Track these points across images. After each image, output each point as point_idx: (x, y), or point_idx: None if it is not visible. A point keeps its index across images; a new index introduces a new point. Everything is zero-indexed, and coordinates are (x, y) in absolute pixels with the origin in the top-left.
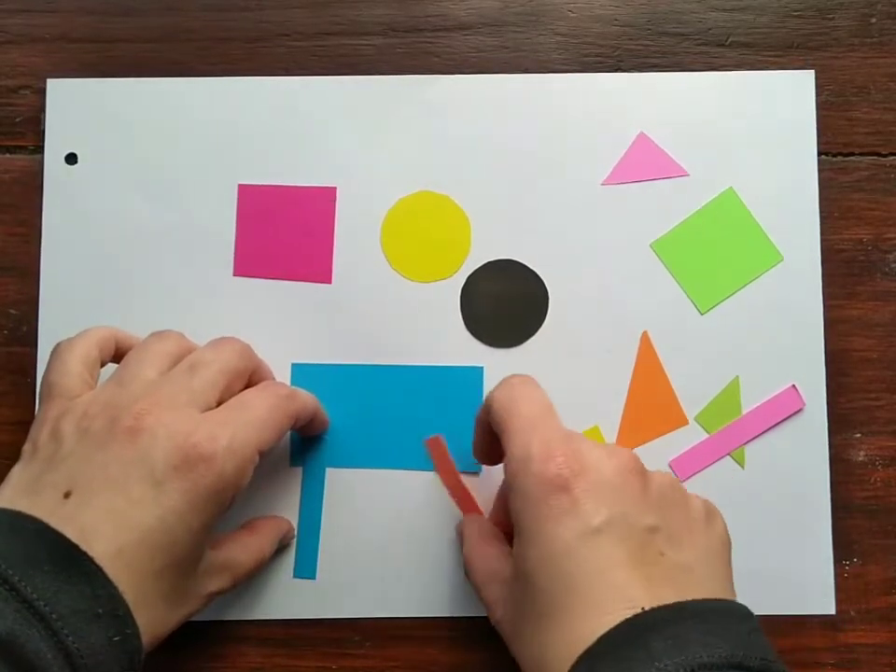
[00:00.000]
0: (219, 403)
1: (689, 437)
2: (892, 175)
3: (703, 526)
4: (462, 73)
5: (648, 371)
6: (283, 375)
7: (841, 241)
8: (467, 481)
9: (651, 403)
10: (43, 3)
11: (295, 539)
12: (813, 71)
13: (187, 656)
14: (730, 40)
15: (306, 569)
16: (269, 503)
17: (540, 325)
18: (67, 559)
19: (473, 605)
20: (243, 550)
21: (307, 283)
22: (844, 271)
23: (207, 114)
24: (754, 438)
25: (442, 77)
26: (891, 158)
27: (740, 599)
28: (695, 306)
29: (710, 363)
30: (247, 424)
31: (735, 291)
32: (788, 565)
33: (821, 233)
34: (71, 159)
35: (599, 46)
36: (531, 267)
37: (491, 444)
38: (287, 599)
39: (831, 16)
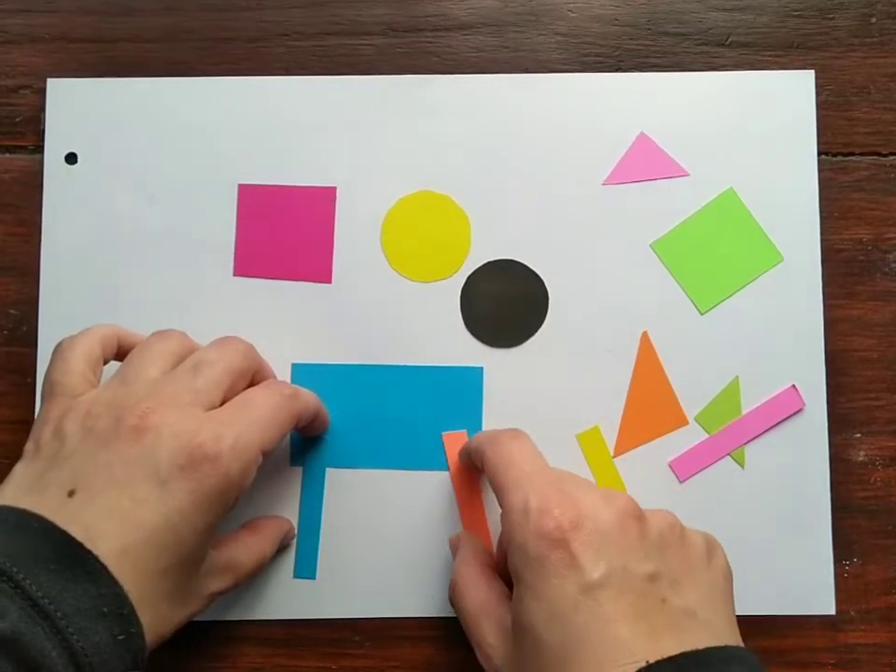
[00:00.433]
0: (223, 403)
1: (689, 437)
2: (892, 175)
3: (704, 563)
4: (462, 73)
5: (648, 370)
6: (283, 375)
7: (841, 241)
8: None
9: (650, 403)
10: (43, 3)
11: (295, 540)
12: (813, 71)
13: (188, 656)
14: (730, 40)
15: (306, 569)
16: (269, 503)
17: (540, 325)
18: (72, 557)
19: None
20: (244, 550)
21: (307, 283)
22: (844, 271)
23: (207, 114)
24: (754, 438)
25: (442, 77)
26: (891, 158)
27: (740, 599)
28: (695, 306)
29: (710, 363)
30: (252, 423)
31: (735, 291)
32: (788, 565)
33: (821, 233)
34: (71, 159)
35: (599, 46)
36: (531, 267)
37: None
38: (287, 599)
39: (831, 16)
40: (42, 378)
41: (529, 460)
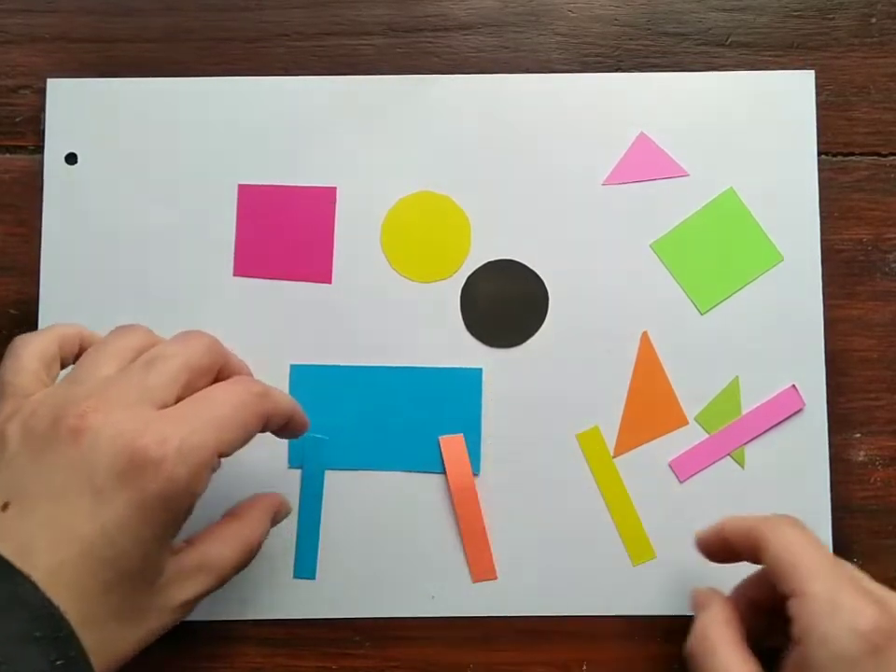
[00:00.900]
0: (179, 400)
1: (689, 437)
2: (892, 175)
3: None
4: (462, 73)
5: (648, 370)
6: (282, 375)
7: (841, 241)
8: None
9: (650, 403)
10: (43, 3)
11: (295, 540)
12: (813, 71)
13: (187, 656)
14: (730, 40)
15: (306, 570)
16: None
17: (540, 325)
18: (4, 580)
19: (473, 605)
20: (220, 544)
21: (307, 283)
22: (844, 271)
23: (207, 114)
24: (754, 438)
25: (442, 77)
26: (891, 158)
27: None
28: (695, 306)
29: (710, 363)
30: (207, 422)
31: (735, 291)
32: None
33: (821, 233)
34: (71, 159)
35: (599, 46)
36: (531, 267)
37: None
38: (287, 599)
39: (831, 16)
40: None
41: (821, 551)
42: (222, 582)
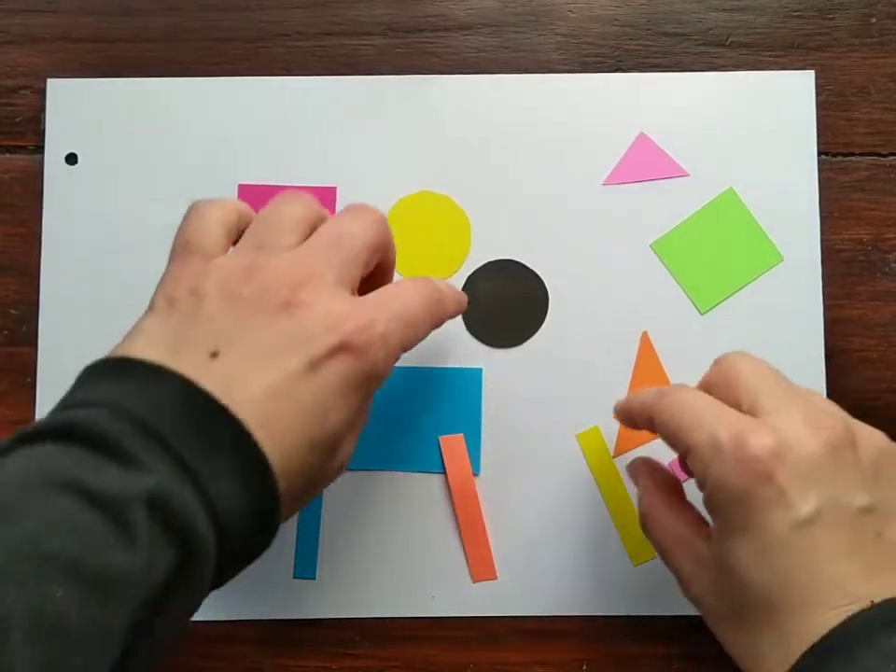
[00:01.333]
0: (361, 279)
1: None
2: (892, 175)
3: None
4: (462, 73)
5: (648, 371)
6: None
7: (841, 241)
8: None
9: None
10: (43, 3)
11: (295, 540)
12: (813, 71)
13: (187, 656)
14: (730, 40)
15: (306, 570)
16: None
17: (540, 325)
18: (218, 421)
19: (473, 605)
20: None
21: None
22: (844, 271)
23: (207, 114)
24: None
25: (442, 77)
26: (891, 158)
27: None
28: (695, 306)
29: (710, 363)
30: (398, 317)
31: (735, 291)
32: None
33: (821, 233)
34: (71, 159)
35: (599, 46)
36: (531, 267)
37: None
38: (287, 599)
39: (831, 16)
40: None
41: (705, 399)
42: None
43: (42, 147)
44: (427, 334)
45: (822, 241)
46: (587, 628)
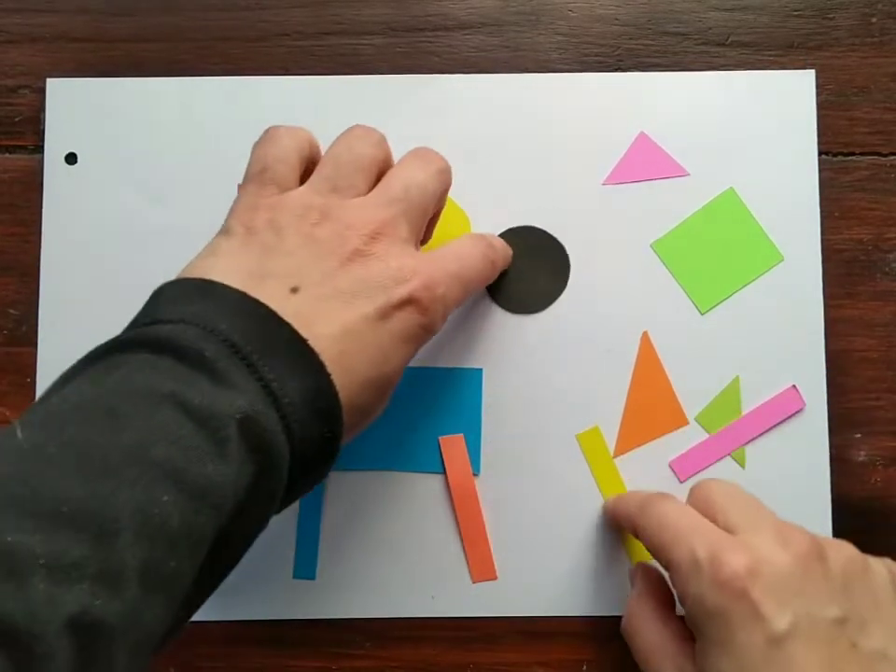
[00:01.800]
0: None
1: (689, 437)
2: (893, 175)
3: (890, 597)
4: (462, 73)
5: (648, 370)
6: None
7: (841, 241)
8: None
9: (651, 403)
10: (43, 2)
11: (295, 540)
12: (813, 71)
13: (186, 656)
14: (730, 40)
15: (306, 570)
16: None
17: (563, 289)
18: (297, 350)
19: (473, 605)
20: None
21: None
22: (844, 271)
23: (207, 114)
24: (754, 438)
25: (442, 77)
26: (892, 158)
27: None
28: (695, 306)
29: (710, 363)
30: (458, 278)
31: (736, 291)
32: None
33: (822, 233)
34: (71, 159)
35: (599, 46)
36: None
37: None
38: (287, 599)
39: (831, 16)
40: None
41: (685, 515)
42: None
43: (42, 147)
44: (476, 292)
45: (823, 241)
46: (587, 628)
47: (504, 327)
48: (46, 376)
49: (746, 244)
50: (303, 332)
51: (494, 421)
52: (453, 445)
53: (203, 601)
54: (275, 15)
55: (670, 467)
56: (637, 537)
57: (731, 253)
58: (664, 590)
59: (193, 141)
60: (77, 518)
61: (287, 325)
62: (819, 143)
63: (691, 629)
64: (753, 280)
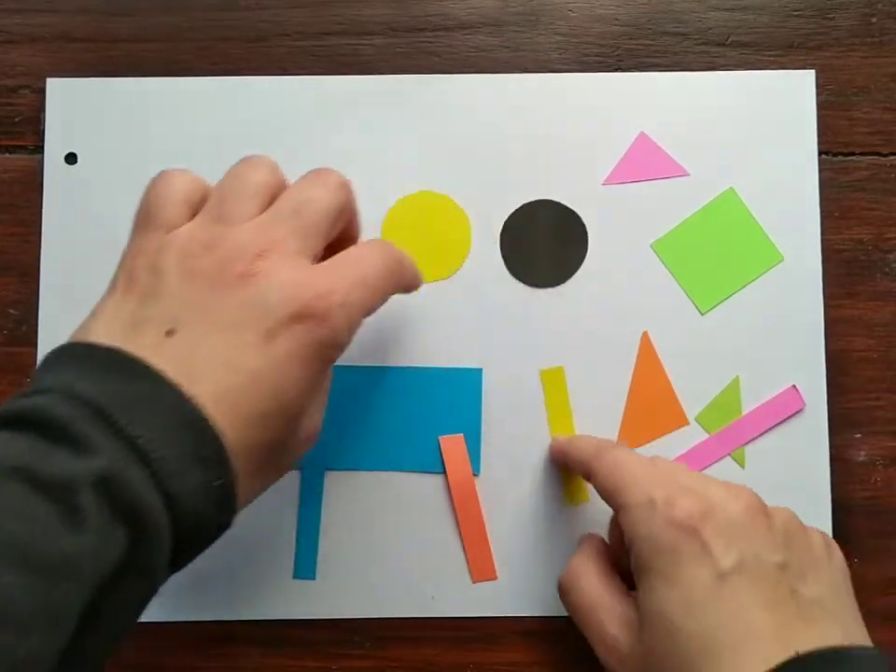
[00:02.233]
0: (325, 246)
1: (689, 437)
2: (893, 175)
3: (825, 560)
4: (462, 73)
5: (648, 370)
6: None
7: (841, 241)
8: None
9: (651, 403)
10: (43, 2)
11: (295, 541)
12: (813, 71)
13: (186, 656)
14: (730, 40)
15: (306, 570)
16: (267, 505)
17: (582, 261)
18: (169, 400)
19: (473, 605)
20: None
21: None
22: (844, 271)
23: (207, 114)
24: (754, 438)
25: (442, 77)
26: (892, 158)
27: None
28: (695, 306)
29: (710, 363)
30: (359, 282)
31: (736, 291)
32: None
33: (822, 233)
34: (71, 158)
35: (599, 46)
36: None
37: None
38: (286, 599)
39: (831, 16)
40: None
41: (640, 463)
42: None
43: (42, 147)
44: (387, 298)
45: (822, 241)
46: None
47: (504, 326)
48: None
49: (746, 244)
50: (179, 377)
51: (494, 421)
52: (453, 445)
53: None
54: (275, 15)
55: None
56: (588, 479)
57: (731, 253)
58: (606, 554)
59: (193, 141)
60: None
61: (157, 374)
62: (819, 143)
63: (636, 572)
64: (753, 280)
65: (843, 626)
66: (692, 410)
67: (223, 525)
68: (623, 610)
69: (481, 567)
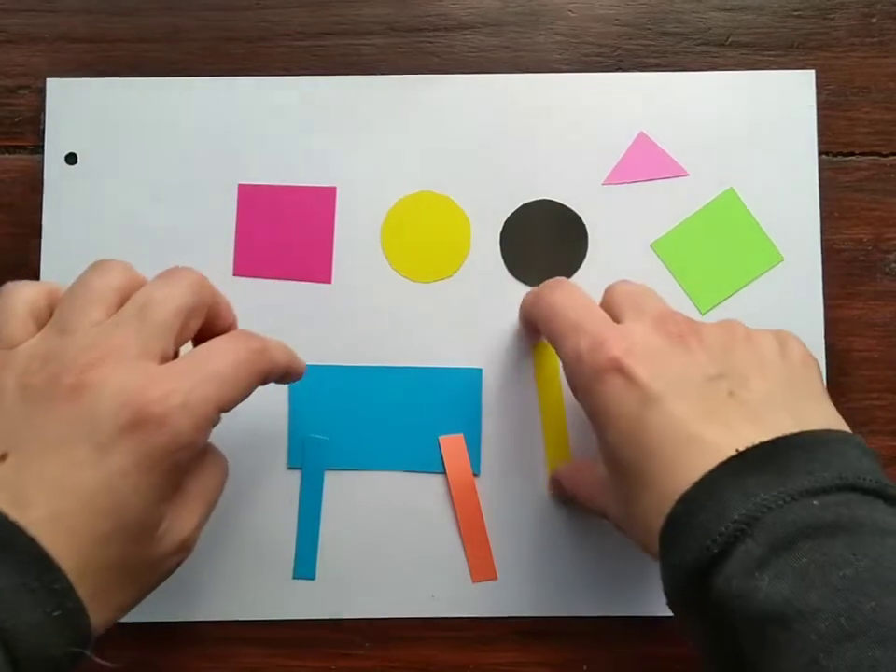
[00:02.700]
0: (176, 347)
1: None
2: (892, 175)
3: (776, 358)
4: (462, 73)
5: None
6: None
7: (841, 241)
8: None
9: None
10: (43, 2)
11: (294, 541)
12: (813, 71)
13: (186, 656)
14: (730, 40)
15: (305, 570)
16: (267, 505)
17: (582, 259)
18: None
19: (473, 605)
20: (201, 474)
21: (307, 283)
22: (844, 271)
23: (208, 113)
24: None
25: (443, 77)
26: (892, 158)
27: None
28: (695, 306)
29: None
30: (208, 379)
31: (736, 291)
32: None
33: (821, 233)
34: (71, 158)
35: (599, 46)
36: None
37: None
38: (286, 599)
39: (831, 16)
40: None
41: (572, 306)
42: (213, 507)
43: (42, 147)
44: (251, 389)
45: (822, 241)
46: (587, 628)
47: (504, 326)
48: None
49: (746, 244)
50: (8, 503)
51: (494, 421)
52: (453, 445)
53: None
54: (276, 15)
55: None
56: (540, 330)
57: (731, 253)
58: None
59: (193, 140)
60: None
61: None
62: (819, 143)
63: (587, 414)
64: (753, 280)
65: (801, 420)
66: None
67: (80, 652)
68: (592, 470)
69: (481, 567)
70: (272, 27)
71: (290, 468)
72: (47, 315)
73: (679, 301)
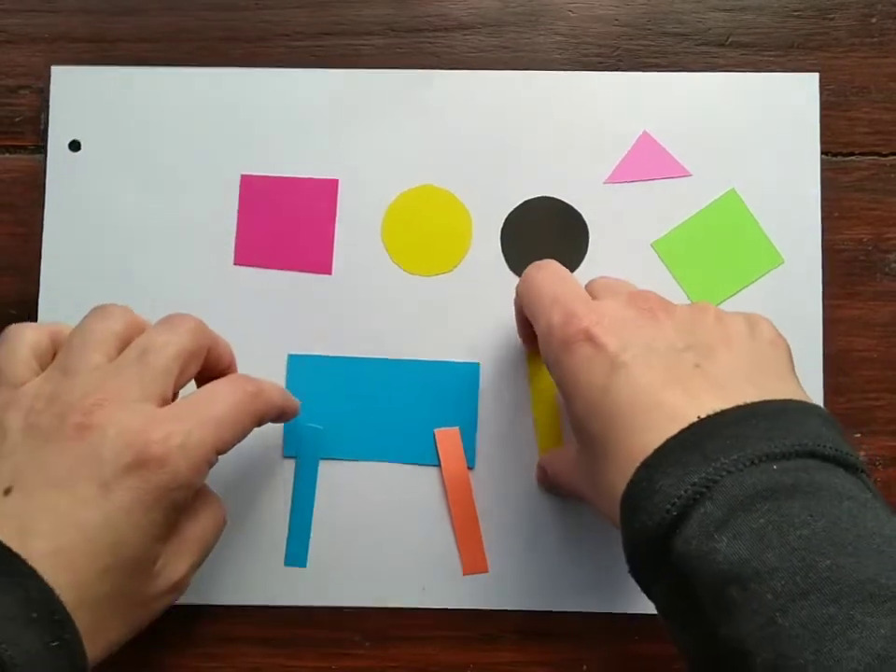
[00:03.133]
0: (175, 390)
1: None
2: (893, 175)
3: (745, 337)
4: None
5: None
6: (280, 365)
7: (841, 241)
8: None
9: None
10: (43, 2)
11: (287, 528)
12: (817, 74)
13: (186, 656)
14: (730, 40)
15: (297, 558)
16: (261, 494)
17: (583, 257)
18: (2, 563)
19: (463, 598)
20: (196, 519)
21: (307, 273)
22: (844, 271)
23: (211, 104)
24: None
25: (444, 73)
26: (892, 158)
27: None
28: None
29: None
30: (206, 422)
31: (736, 292)
32: None
33: (821, 233)
34: (74, 146)
35: (599, 46)
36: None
37: (529, 330)
38: (277, 586)
39: (831, 16)
40: None
41: (552, 284)
42: (208, 552)
43: (42, 147)
44: (247, 431)
45: (823, 241)
46: (587, 628)
47: (502, 322)
48: None
49: (746, 245)
50: (13, 538)
51: (490, 415)
52: (448, 438)
53: None
54: (275, 15)
55: None
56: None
57: (731, 254)
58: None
59: (196, 131)
60: None
61: None
62: (820, 143)
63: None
64: (753, 281)
65: (760, 388)
66: None
67: None
68: (566, 451)
69: (472, 560)
70: (271, 27)
71: (286, 456)
72: (50, 356)
73: (678, 301)
